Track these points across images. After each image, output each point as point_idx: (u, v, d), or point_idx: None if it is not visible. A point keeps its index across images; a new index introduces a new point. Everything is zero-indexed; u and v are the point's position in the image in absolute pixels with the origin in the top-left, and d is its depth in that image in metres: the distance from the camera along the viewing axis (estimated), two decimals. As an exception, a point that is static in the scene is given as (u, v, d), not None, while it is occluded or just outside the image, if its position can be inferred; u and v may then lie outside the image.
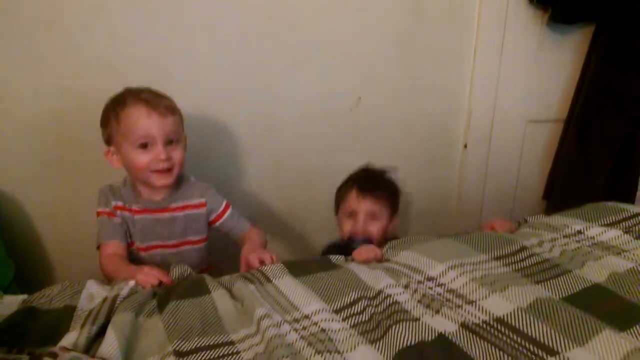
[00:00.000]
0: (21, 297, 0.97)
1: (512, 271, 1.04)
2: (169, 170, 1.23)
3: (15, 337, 0.85)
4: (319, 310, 0.93)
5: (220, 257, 1.48)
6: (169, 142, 1.21)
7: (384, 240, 1.38)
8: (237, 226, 1.40)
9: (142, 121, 1.17)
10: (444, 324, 0.88)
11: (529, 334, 0.82)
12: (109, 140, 1.24)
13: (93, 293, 0.99)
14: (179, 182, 1.32)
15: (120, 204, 1.28)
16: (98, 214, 1.28)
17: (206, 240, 1.39)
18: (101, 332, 0.85)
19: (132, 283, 1.01)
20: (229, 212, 1.39)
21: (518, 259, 1.08)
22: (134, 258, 1.30)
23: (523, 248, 1.12)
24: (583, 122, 1.84)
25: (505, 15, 1.75)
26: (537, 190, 2.08)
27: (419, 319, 0.89)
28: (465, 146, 1.91)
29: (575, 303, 0.90)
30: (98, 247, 1.27)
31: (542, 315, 0.86)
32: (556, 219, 1.27)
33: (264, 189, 1.75)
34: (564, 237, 1.18)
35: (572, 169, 1.89)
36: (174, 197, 1.31)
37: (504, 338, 0.82)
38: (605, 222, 1.21)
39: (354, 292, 0.98)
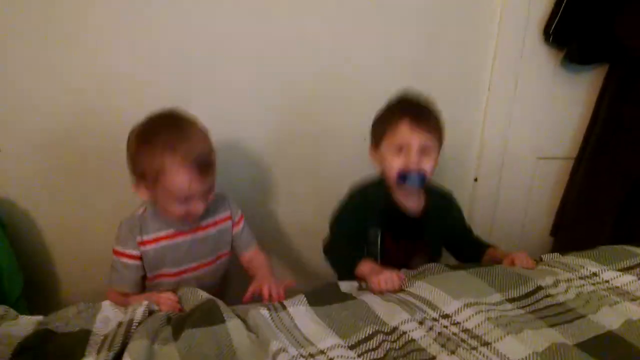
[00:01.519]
0: (36, 318, 0.96)
1: (526, 313, 1.04)
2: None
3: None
4: (335, 345, 0.93)
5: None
6: (205, 196, 1.19)
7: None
8: (244, 241, 1.37)
9: (183, 186, 1.11)
10: (460, 365, 0.88)
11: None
12: (139, 178, 1.17)
13: (109, 316, 0.98)
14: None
15: (149, 237, 1.23)
16: (115, 253, 1.24)
17: (231, 253, 1.38)
18: (116, 358, 0.85)
19: (146, 303, 1.00)
20: (242, 223, 1.37)
21: (533, 300, 1.08)
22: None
23: (539, 288, 1.12)
24: (594, 160, 1.85)
25: (520, 52, 1.77)
26: (545, 226, 2.08)
27: (435, 358, 0.90)
28: (476, 179, 1.92)
29: (589, 350, 0.90)
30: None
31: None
32: (571, 259, 1.27)
33: (279, 204, 1.77)
34: (580, 278, 1.18)
35: (582, 206, 1.90)
36: (205, 215, 1.26)
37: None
38: (621, 267, 1.21)
39: (369, 327, 0.98)
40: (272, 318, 1.01)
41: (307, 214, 1.79)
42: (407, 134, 1.25)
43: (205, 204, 1.19)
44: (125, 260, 1.22)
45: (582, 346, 0.92)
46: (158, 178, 1.11)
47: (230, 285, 1.48)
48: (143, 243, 1.22)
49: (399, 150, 1.27)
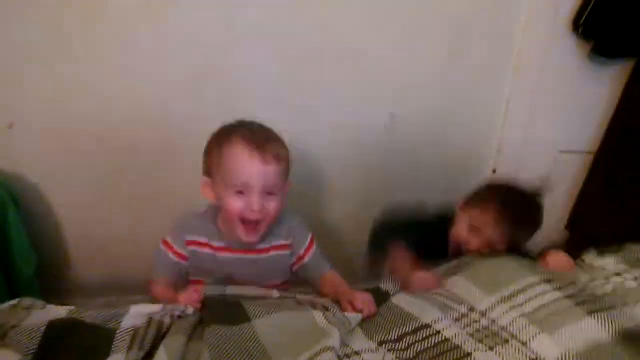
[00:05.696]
0: (65, 309, 0.94)
1: (564, 297, 1.00)
2: (257, 223, 1.12)
3: (57, 354, 0.83)
4: (367, 349, 0.92)
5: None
6: (267, 193, 1.10)
7: None
8: (318, 266, 1.26)
9: (243, 167, 1.06)
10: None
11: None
12: (208, 172, 1.15)
13: (137, 314, 0.95)
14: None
15: (200, 239, 1.19)
16: (163, 242, 1.21)
17: (287, 285, 1.28)
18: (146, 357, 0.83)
19: (182, 307, 0.98)
20: (311, 251, 1.26)
21: (572, 290, 1.05)
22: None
23: (576, 281, 1.09)
24: (617, 155, 1.82)
25: (547, 43, 1.72)
26: (560, 220, 2.06)
27: (471, 355, 0.89)
28: (494, 171, 1.89)
29: (629, 339, 0.89)
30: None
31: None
32: (601, 260, 1.24)
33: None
34: (615, 275, 1.16)
35: (602, 201, 1.88)
36: (263, 238, 1.19)
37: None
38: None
39: (399, 330, 0.97)
40: (325, 317, 0.98)
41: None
42: (490, 226, 1.25)
43: (263, 207, 1.09)
44: (170, 254, 1.20)
45: (621, 336, 0.91)
46: (222, 151, 1.09)
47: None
48: (190, 243, 1.19)
49: (473, 230, 1.28)
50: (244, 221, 1.11)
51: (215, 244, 1.19)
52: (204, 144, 1.18)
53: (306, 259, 1.26)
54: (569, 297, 1.00)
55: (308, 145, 1.63)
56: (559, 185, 2.00)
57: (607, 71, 1.83)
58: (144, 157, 1.54)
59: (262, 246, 1.20)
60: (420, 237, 1.29)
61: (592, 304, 0.98)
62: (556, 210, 2.05)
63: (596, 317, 0.94)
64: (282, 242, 1.23)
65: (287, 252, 1.24)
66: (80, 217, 1.59)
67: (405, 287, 1.14)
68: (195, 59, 1.45)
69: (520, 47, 1.72)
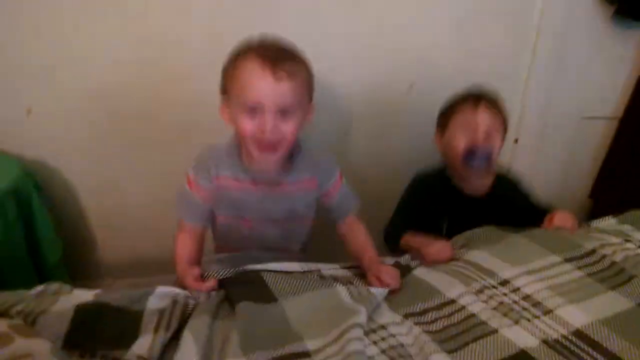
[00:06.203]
0: (91, 293, 0.95)
1: (585, 276, 1.01)
2: (274, 145, 1.05)
3: (86, 338, 0.84)
4: (392, 322, 0.92)
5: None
6: (282, 112, 1.02)
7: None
8: (343, 204, 1.23)
9: (253, 82, 0.99)
10: (524, 338, 0.87)
11: (609, 348, 0.82)
12: (224, 90, 1.09)
13: (162, 294, 0.96)
14: (293, 152, 1.15)
15: (226, 174, 1.13)
16: (188, 182, 1.15)
17: (313, 220, 1.26)
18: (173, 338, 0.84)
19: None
20: (340, 188, 1.22)
21: (590, 261, 1.06)
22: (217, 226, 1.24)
23: (592, 251, 1.09)
24: (641, 121, 1.78)
25: (570, 6, 1.67)
26: (584, 188, 2.02)
27: (497, 331, 0.88)
28: (516, 141, 1.85)
29: None
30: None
31: (620, 329, 0.86)
32: (613, 225, 1.25)
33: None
34: (626, 241, 1.15)
35: (625, 169, 1.84)
36: (288, 171, 1.15)
37: (584, 356, 0.82)
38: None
39: (423, 303, 0.97)
40: (350, 293, 0.97)
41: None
42: (475, 114, 1.28)
43: (277, 128, 1.02)
44: (195, 191, 1.14)
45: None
46: (235, 64, 1.03)
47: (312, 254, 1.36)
48: (220, 179, 1.14)
49: (465, 130, 1.29)
50: (259, 144, 1.05)
51: (241, 177, 1.14)
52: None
53: (334, 195, 1.22)
54: (590, 274, 1.01)
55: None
56: (583, 152, 1.97)
57: (631, 34, 1.77)
58: (164, 136, 1.53)
59: (288, 180, 1.16)
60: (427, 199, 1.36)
61: (612, 279, 1.00)
62: (580, 178, 2.02)
63: (618, 290, 0.96)
64: (308, 176, 1.18)
65: (312, 187, 1.19)
66: (101, 199, 1.60)
67: (422, 258, 1.15)
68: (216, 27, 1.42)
69: (542, 10, 1.66)
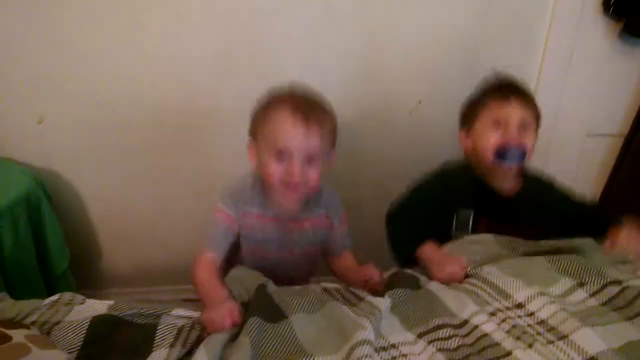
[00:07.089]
0: (105, 304, 0.95)
1: (599, 305, 0.99)
2: (298, 186, 1.11)
3: (102, 351, 0.84)
4: (404, 342, 0.92)
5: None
6: (308, 159, 1.09)
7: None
8: (339, 242, 1.29)
9: (284, 130, 1.06)
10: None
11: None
12: (253, 134, 1.15)
13: (178, 315, 0.96)
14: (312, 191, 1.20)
15: (253, 211, 1.19)
16: (217, 211, 1.18)
17: (321, 250, 1.31)
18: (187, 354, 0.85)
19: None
20: (342, 228, 1.28)
21: (609, 293, 1.01)
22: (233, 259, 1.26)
23: (616, 282, 1.03)
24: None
25: (577, 23, 1.68)
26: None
27: (511, 353, 0.87)
28: (522, 156, 1.85)
29: None
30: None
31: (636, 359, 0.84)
32: None
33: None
34: None
35: (630, 186, 1.84)
36: (307, 208, 1.21)
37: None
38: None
39: (437, 319, 0.97)
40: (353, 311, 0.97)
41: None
42: (506, 107, 1.20)
43: (303, 174, 1.09)
44: (226, 222, 1.18)
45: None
46: (266, 113, 1.10)
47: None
48: (245, 213, 1.19)
49: (496, 125, 1.21)
50: (286, 185, 1.11)
51: (266, 214, 1.19)
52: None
53: (338, 231, 1.28)
54: (603, 304, 0.98)
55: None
56: (588, 169, 1.97)
57: (638, 51, 1.78)
58: (174, 148, 1.55)
59: (307, 216, 1.22)
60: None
61: (627, 310, 0.96)
62: (585, 195, 2.02)
63: (634, 322, 0.93)
64: (324, 212, 1.25)
65: (327, 223, 1.26)
66: (109, 209, 1.61)
67: (435, 278, 1.12)
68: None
69: (549, 27, 1.68)
